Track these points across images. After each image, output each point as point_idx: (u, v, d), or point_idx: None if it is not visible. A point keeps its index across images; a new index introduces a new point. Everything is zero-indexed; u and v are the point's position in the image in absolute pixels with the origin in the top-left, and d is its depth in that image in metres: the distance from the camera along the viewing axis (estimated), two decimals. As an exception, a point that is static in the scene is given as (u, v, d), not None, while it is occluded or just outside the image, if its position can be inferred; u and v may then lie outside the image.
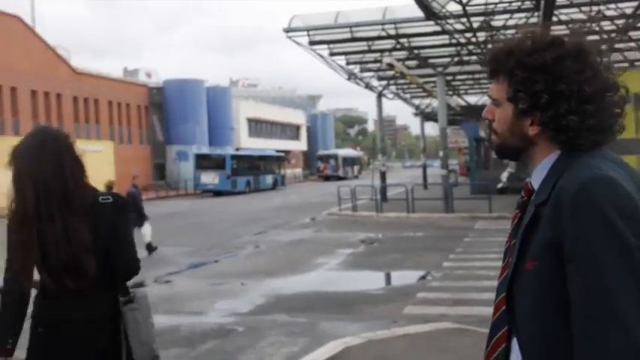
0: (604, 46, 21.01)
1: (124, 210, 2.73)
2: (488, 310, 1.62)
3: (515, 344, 1.43)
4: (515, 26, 19.20)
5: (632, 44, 22.65)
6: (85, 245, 2.53)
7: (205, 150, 43.82)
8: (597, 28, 20.24)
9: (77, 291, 2.55)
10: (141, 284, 10.06)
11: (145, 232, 13.65)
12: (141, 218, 13.71)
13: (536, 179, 1.48)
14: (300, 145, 72.57)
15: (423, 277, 10.54)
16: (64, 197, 2.55)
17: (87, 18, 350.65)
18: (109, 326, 2.60)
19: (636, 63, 24.53)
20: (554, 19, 18.61)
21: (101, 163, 36.16)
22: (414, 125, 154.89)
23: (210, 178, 38.74)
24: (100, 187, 3.13)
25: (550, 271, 1.34)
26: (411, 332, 6.53)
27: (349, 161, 64.50)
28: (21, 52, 34.18)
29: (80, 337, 2.56)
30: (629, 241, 1.27)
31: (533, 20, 19.07)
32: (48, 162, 2.55)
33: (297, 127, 72.50)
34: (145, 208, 14.17)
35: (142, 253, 13.80)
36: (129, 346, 2.61)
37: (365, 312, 8.20)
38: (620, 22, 19.80)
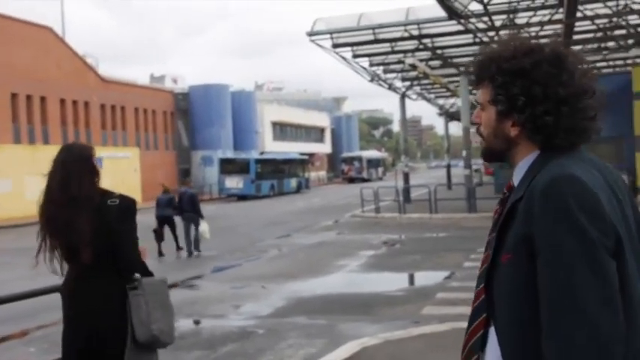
0: (631, 41, 20.56)
1: (127, 212, 3.16)
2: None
3: (492, 331, 1.50)
4: (540, 23, 18.99)
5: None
6: (85, 238, 3.02)
7: (230, 154, 44.10)
8: (624, 23, 19.92)
9: (88, 273, 3.07)
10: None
11: (204, 230, 14.37)
12: (198, 217, 14.56)
13: (516, 177, 1.56)
14: (325, 147, 72.58)
15: (442, 278, 10.52)
16: (70, 199, 3.06)
17: (114, 26, 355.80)
18: (116, 305, 3.06)
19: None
20: (579, 14, 18.35)
21: (128, 169, 36.79)
22: (440, 125, 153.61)
23: (234, 183, 38.96)
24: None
25: (523, 264, 1.41)
26: (427, 332, 6.56)
27: (373, 163, 64.33)
28: (51, 62, 34.78)
29: (94, 312, 3.05)
30: (592, 235, 1.33)
31: (558, 17, 18.81)
32: (58, 172, 3.14)
33: (322, 130, 72.54)
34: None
35: (206, 251, 14.53)
36: (132, 325, 3.06)
37: (383, 313, 8.23)
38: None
